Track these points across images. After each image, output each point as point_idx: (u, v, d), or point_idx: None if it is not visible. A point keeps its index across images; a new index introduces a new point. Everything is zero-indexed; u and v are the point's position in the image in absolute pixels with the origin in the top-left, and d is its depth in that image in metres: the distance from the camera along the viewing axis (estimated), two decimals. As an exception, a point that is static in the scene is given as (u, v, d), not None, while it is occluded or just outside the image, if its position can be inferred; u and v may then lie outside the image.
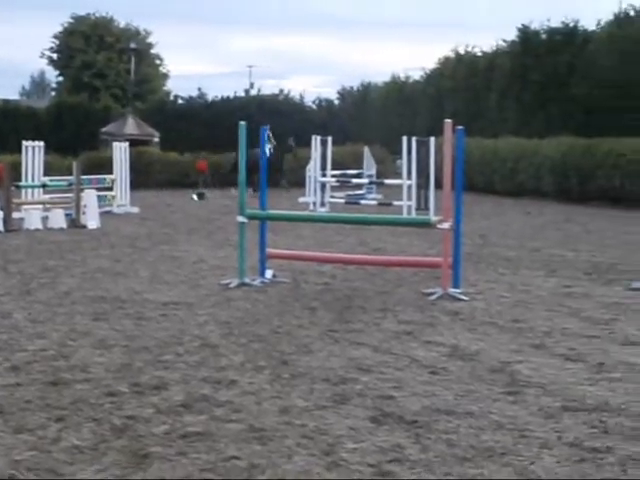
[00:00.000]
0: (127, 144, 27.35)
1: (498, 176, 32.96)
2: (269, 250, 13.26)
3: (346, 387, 7.51)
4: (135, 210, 25.50)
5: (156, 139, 43.59)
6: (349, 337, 9.41)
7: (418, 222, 13.43)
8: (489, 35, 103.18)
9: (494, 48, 42.07)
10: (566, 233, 20.09)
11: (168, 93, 56.63)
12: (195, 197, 31.77)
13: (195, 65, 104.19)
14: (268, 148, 33.77)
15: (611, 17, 34.88)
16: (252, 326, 9.92)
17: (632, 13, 33.91)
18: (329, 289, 12.48)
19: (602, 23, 35.79)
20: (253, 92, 53.45)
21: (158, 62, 61.48)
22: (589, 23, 37.31)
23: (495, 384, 7.62)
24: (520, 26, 39.20)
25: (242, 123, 12.98)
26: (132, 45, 51.76)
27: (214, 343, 9.10)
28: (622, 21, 34.10)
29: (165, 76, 62.42)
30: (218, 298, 11.65)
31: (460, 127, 12.48)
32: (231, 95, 50.96)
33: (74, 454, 5.95)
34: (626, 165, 26.85)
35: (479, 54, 43.62)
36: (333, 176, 28.13)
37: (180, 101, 50.67)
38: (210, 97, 50.61)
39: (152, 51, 60.75)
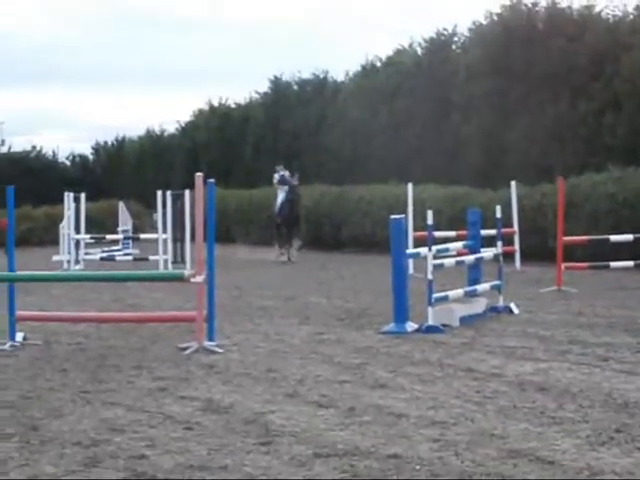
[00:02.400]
0: None
1: (254, 226, 33.32)
2: (19, 312, 12.88)
3: (98, 449, 7.35)
4: None
5: None
6: (102, 397, 9.23)
7: (171, 276, 13.38)
8: (242, 87, 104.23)
9: (247, 100, 42.71)
10: (320, 280, 20.50)
11: None
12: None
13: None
14: (285, 190, 26.47)
15: (359, 68, 36.00)
16: (0, 392, 9.59)
17: (378, 64, 35.11)
18: (82, 349, 12.24)
19: (350, 74, 36.89)
20: (3, 149, 52.08)
21: None
22: (338, 74, 38.34)
23: (249, 436, 7.64)
24: (272, 77, 39.98)
25: (-14, 183, 12.61)
26: None
27: (-41, 413, 8.74)
28: (369, 72, 35.25)
29: None
30: (-35, 365, 11.22)
31: (211, 180, 12.57)
32: (-21, 154, 49.59)
33: None
34: (376, 211, 27.66)
35: (233, 106, 44.12)
36: (93, 238, 27.71)
37: None
38: (-43, 157, 49.07)
39: None
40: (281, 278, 21.36)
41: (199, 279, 11.89)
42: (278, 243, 27.20)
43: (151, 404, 8.88)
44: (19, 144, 53.87)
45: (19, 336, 12.67)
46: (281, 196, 26.94)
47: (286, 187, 27.09)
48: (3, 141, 55.59)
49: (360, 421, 7.98)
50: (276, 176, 27.37)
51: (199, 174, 12.26)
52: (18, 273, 13.61)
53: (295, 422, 8.02)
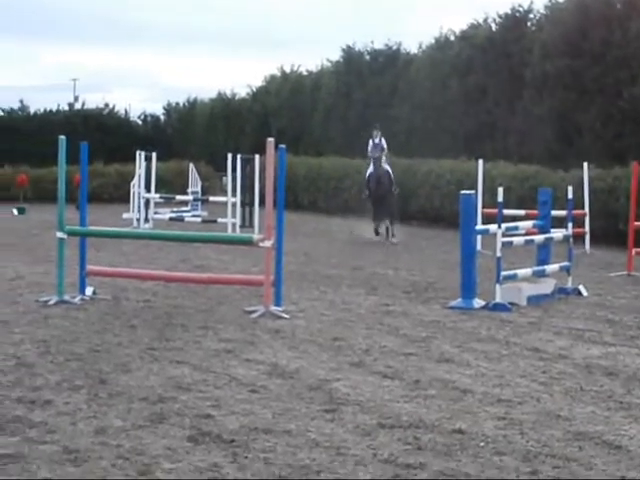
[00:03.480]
0: (-56, 157, 26.62)
1: (323, 195, 33.31)
2: (90, 267, 13.06)
3: (164, 406, 7.45)
4: (-49, 224, 24.77)
5: (-26, 152, 42.44)
6: (169, 355, 9.34)
7: (240, 240, 13.43)
8: (315, 54, 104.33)
9: (319, 67, 42.62)
10: (387, 252, 20.45)
11: (-12, 105, 55.03)
12: (15, 212, 31.09)
13: (17, 77, 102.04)
14: (377, 154, 22.24)
15: (432, 41, 35.76)
16: (70, 345, 9.74)
17: (452, 38, 34.84)
18: (150, 306, 12.37)
19: (423, 46, 36.65)
20: (77, 106, 52.56)
21: (-22, 73, 59.71)
22: (411, 46, 38.11)
23: (313, 402, 7.68)
24: (344, 47, 39.83)
25: (62, 137, 12.73)
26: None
27: (30, 362, 8.90)
28: (442, 45, 34.98)
29: (-15, 87, 60.65)
30: (35, 316, 11.39)
31: (282, 146, 12.59)
32: (54, 108, 50.08)
33: None
34: (445, 185, 27.54)
35: (305, 73, 44.06)
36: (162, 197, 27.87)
37: (1, 113, 49.45)
38: (32, 110, 49.63)
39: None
40: (348, 248, 21.33)
41: (268, 244, 11.94)
42: (372, 218, 23.40)
43: (217, 365, 8.97)
44: (92, 101, 54.25)
45: (89, 290, 12.87)
46: (370, 169, 23.45)
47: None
48: (77, 98, 56.24)
49: (425, 394, 7.99)
50: (370, 143, 23.27)
51: (270, 139, 12.28)
52: (90, 228, 13.79)
53: (360, 391, 8.05)
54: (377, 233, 23.19)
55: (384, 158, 23.31)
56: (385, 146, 23.37)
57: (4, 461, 6.05)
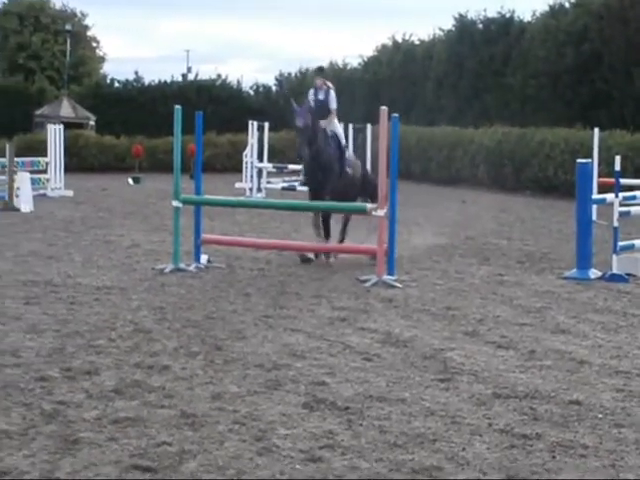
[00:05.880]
0: (62, 127, 27.14)
1: (434, 164, 33.14)
2: (204, 235, 13.21)
3: (279, 373, 7.51)
4: (69, 193, 25.28)
5: (92, 122, 43.22)
6: (283, 323, 9.41)
7: (353, 209, 13.43)
8: (426, 23, 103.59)
9: (431, 37, 42.27)
10: (500, 222, 20.26)
11: (105, 76, 55.91)
12: (131, 181, 31.63)
13: (132, 49, 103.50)
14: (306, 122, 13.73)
15: (546, 8, 35.21)
16: (186, 311, 9.88)
17: (567, 5, 34.24)
18: (264, 275, 12.47)
19: (537, 14, 36.11)
20: (190, 76, 53.08)
21: (94, 45, 60.63)
22: (525, 14, 37.65)
23: (427, 371, 7.67)
24: (457, 15, 39.43)
25: (178, 107, 12.89)
26: (68, 27, 50.89)
27: (147, 328, 9.05)
28: (556, 12, 34.40)
29: (102, 59, 61.57)
30: (152, 283, 11.58)
31: (395, 115, 12.51)
32: (168, 79, 50.65)
33: (2, 439, 5.87)
34: (559, 155, 27.15)
35: (416, 42, 43.72)
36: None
37: (117, 84, 50.22)
38: (147, 81, 50.26)
39: (88, 33, 59.89)
40: (461, 217, 21.16)
41: (381, 213, 11.93)
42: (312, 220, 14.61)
43: (331, 333, 9.00)
44: (205, 72, 54.67)
45: (204, 258, 13.01)
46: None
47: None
48: (190, 68, 56.79)
49: (541, 365, 7.91)
50: (309, 97, 15.16)
51: (384, 108, 12.22)
52: (205, 197, 13.93)
53: (474, 361, 8.00)
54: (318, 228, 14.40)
55: (335, 122, 15.11)
56: (334, 106, 15.10)
57: (124, 424, 6.17)
